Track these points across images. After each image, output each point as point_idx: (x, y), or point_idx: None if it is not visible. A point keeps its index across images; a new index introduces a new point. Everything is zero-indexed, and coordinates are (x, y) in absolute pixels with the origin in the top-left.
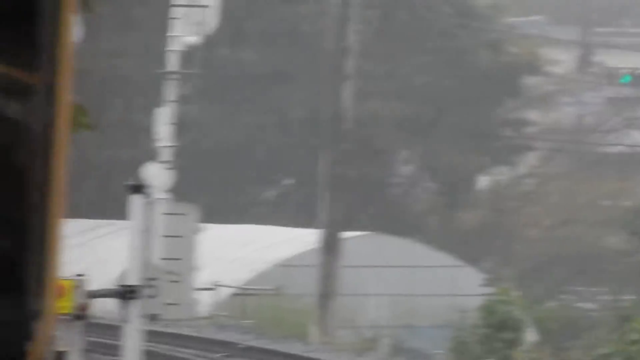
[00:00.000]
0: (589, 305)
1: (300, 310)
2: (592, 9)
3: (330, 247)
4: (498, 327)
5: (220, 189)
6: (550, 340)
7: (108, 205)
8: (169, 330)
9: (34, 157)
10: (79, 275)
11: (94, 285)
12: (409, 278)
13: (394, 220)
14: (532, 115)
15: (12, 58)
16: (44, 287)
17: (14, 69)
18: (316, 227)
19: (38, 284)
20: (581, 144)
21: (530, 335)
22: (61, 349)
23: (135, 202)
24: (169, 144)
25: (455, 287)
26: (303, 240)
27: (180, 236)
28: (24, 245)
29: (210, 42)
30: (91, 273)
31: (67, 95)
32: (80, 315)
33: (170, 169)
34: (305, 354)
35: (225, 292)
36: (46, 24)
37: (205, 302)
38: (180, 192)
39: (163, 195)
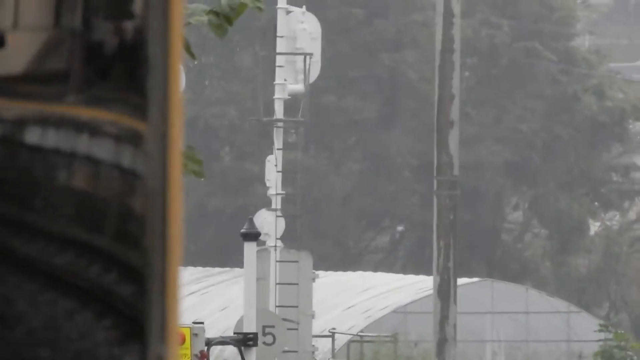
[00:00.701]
0: None
1: (417, 357)
2: None
3: (446, 294)
4: None
5: (332, 236)
6: None
7: (222, 253)
8: None
9: (150, 205)
10: (197, 322)
11: (212, 332)
12: (524, 324)
13: (506, 267)
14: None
15: (120, 105)
16: (166, 333)
17: (123, 116)
18: (429, 274)
19: (160, 331)
20: None
21: None
22: None
23: (249, 249)
24: (280, 192)
25: (571, 333)
26: (417, 286)
27: (296, 284)
28: (144, 291)
29: (315, 90)
30: (208, 321)
31: (178, 143)
32: None
33: (281, 216)
34: None
35: (342, 339)
36: (154, 70)
37: (322, 349)
38: (292, 239)
39: (276, 243)
